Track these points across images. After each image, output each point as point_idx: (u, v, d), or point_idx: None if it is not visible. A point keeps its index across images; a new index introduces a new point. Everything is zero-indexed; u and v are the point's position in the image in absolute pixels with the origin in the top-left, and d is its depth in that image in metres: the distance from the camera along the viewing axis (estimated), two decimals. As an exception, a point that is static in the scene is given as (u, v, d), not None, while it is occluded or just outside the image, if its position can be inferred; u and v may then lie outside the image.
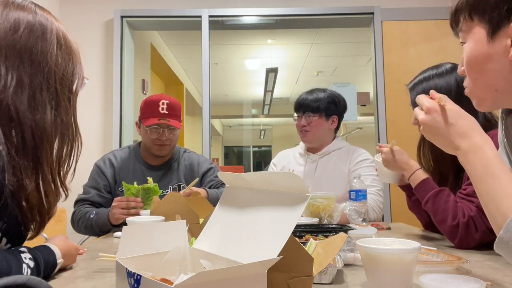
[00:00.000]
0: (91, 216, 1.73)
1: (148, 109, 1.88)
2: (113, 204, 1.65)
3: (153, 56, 4.62)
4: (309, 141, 2.06)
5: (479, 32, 0.82)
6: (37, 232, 0.88)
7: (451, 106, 0.85)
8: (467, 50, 0.85)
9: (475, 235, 1.16)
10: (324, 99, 2.02)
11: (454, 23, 0.90)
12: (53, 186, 0.86)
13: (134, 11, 3.44)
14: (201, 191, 1.76)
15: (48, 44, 0.86)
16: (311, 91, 2.08)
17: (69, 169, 0.92)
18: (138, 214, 1.59)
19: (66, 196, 0.92)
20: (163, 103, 1.85)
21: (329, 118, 2.04)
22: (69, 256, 0.99)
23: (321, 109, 2.00)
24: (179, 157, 2.02)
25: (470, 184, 1.20)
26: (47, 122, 0.83)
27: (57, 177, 0.88)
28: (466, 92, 0.90)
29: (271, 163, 2.26)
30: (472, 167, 0.77)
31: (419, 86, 1.42)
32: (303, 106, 2.03)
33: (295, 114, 2.08)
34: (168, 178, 1.95)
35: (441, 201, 1.24)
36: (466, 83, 0.89)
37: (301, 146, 2.17)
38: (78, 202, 1.83)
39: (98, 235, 1.78)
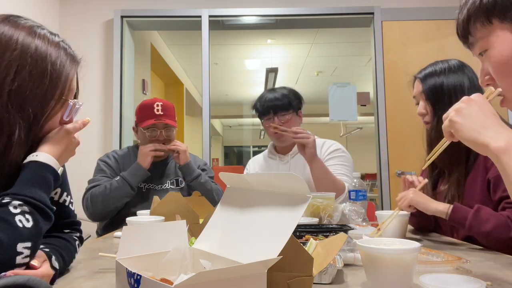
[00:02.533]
0: (117, 179, 1.82)
1: (144, 112, 1.95)
2: (140, 148, 1.88)
3: (153, 56, 4.62)
4: (286, 141, 1.99)
5: (502, 33, 0.78)
6: None
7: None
8: (495, 54, 0.80)
9: None
10: (289, 95, 1.97)
11: (466, 33, 0.85)
12: None
13: (134, 11, 3.44)
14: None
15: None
16: (273, 90, 2.02)
17: None
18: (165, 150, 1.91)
19: None
20: (157, 105, 1.93)
21: (298, 113, 2.01)
22: (66, 153, 0.90)
23: (292, 105, 1.96)
24: None
25: None
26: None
27: None
28: (504, 104, 0.83)
29: (244, 171, 2.21)
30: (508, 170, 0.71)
31: (431, 79, 1.41)
32: (274, 107, 1.95)
33: (264, 118, 2.00)
34: (166, 173, 2.03)
35: (484, 220, 1.16)
36: (502, 91, 0.81)
37: (269, 150, 2.13)
38: (90, 189, 1.85)
39: (129, 194, 1.83)
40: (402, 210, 1.38)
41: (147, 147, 1.88)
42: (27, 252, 0.72)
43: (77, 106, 0.94)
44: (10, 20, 0.86)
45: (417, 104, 1.50)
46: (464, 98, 0.82)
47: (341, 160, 1.94)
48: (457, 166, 1.36)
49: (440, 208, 1.28)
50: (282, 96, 1.96)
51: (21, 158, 0.83)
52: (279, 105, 1.95)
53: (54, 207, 0.82)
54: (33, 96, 0.81)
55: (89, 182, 1.89)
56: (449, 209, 1.24)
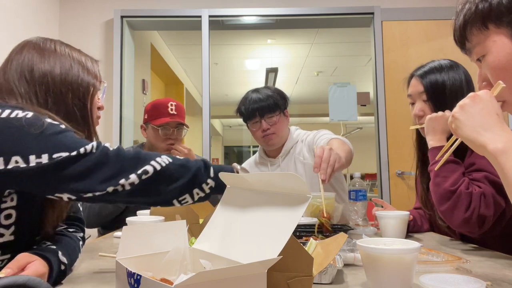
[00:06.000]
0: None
1: (158, 110, 1.97)
2: None
3: (153, 56, 4.62)
4: (276, 144, 1.93)
5: (499, 38, 0.79)
6: None
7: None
8: (492, 60, 0.81)
9: (464, 212, 1.10)
10: (274, 95, 1.89)
11: (463, 39, 0.85)
12: None
13: (134, 11, 3.44)
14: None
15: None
16: (256, 91, 1.94)
17: None
18: None
19: None
20: (171, 105, 1.97)
21: (285, 113, 1.94)
22: None
23: (278, 105, 1.88)
24: None
25: (475, 171, 1.18)
26: None
27: None
28: (504, 108, 0.83)
29: None
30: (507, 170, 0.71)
31: (432, 75, 1.36)
32: (260, 109, 1.86)
33: (250, 122, 1.93)
34: None
35: (451, 168, 1.17)
36: (502, 96, 0.81)
37: (260, 155, 2.07)
38: None
39: (114, 212, 1.80)
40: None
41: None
42: None
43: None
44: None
45: (411, 103, 1.43)
46: (471, 94, 0.81)
47: (325, 132, 1.89)
48: None
49: (431, 142, 1.28)
50: (266, 97, 1.87)
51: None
52: (265, 107, 1.86)
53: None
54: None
55: None
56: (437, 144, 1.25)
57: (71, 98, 0.93)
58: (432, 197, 1.23)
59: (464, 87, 1.33)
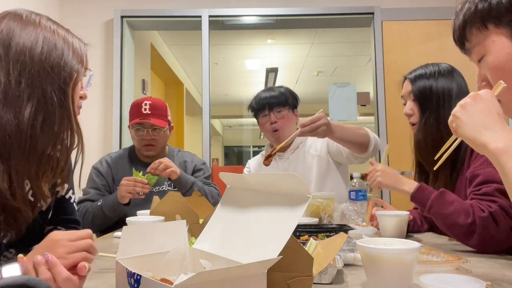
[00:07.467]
0: (99, 204, 1.77)
1: (133, 111, 1.94)
2: (122, 182, 1.71)
3: (153, 56, 4.62)
4: (283, 139, 1.95)
5: (498, 38, 0.79)
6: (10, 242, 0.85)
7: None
8: (491, 60, 0.81)
9: (497, 233, 1.07)
10: (286, 93, 1.98)
11: (463, 39, 0.85)
12: (24, 191, 0.80)
13: (134, 11, 3.44)
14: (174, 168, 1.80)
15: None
16: (270, 89, 2.02)
17: (57, 174, 0.86)
18: (142, 196, 1.73)
19: (42, 205, 0.88)
20: (145, 104, 1.90)
21: (294, 112, 2.01)
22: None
23: (288, 102, 1.96)
24: (174, 156, 2.07)
25: (483, 184, 1.17)
26: (20, 121, 0.78)
27: (37, 182, 0.82)
28: (507, 109, 0.82)
29: (245, 170, 2.18)
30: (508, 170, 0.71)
31: (421, 81, 1.43)
32: (269, 104, 1.95)
33: (259, 114, 1.99)
34: None
35: (445, 200, 1.15)
36: (502, 97, 0.81)
37: (266, 150, 2.12)
38: (78, 203, 1.84)
39: (106, 222, 1.79)
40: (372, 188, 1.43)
41: (127, 187, 1.70)
42: None
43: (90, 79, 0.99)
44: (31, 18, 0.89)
45: (405, 104, 1.52)
46: (472, 93, 0.81)
47: None
48: (443, 171, 1.35)
49: (405, 188, 1.28)
50: (279, 94, 1.96)
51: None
52: (274, 101, 1.94)
53: None
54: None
55: (82, 191, 1.88)
56: (414, 189, 1.24)
57: (50, 82, 0.82)
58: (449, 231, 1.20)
59: (453, 94, 1.36)
